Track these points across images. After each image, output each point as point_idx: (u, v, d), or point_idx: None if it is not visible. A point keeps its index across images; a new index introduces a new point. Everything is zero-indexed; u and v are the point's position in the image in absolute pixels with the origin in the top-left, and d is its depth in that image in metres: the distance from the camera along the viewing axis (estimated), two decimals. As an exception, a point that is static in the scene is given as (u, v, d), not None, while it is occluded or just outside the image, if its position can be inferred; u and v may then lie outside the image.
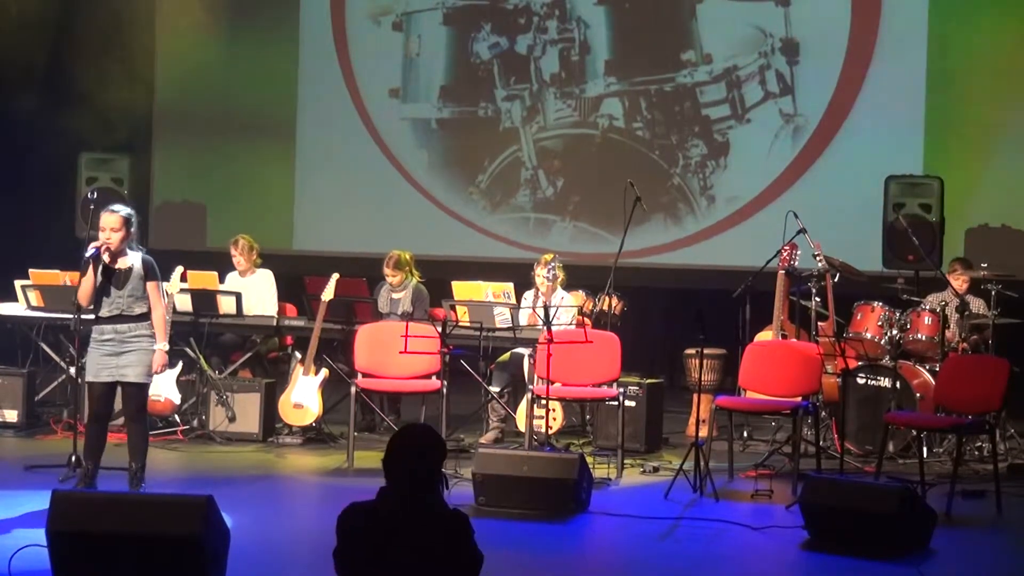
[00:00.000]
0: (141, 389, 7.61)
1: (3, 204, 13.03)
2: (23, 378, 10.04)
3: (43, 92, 12.96)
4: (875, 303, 9.78)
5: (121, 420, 8.44)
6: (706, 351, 9.08)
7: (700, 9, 12.53)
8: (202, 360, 9.93)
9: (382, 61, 13.31)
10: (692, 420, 9.99)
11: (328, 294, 9.72)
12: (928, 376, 9.54)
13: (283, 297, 10.56)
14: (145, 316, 7.58)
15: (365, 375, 9.30)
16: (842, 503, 7.08)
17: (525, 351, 9.68)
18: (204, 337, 10.04)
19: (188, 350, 10.04)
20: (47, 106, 12.91)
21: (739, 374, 9.03)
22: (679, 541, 7.31)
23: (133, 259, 7.62)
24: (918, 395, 9.41)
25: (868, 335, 9.68)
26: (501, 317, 9.73)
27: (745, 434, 9.94)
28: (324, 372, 9.74)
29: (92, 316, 7.67)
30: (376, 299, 10.16)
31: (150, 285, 7.61)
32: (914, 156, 11.79)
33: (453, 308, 9.73)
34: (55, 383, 10.51)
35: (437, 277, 10.62)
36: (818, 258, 9.74)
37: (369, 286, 10.19)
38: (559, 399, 9.34)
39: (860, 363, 9.64)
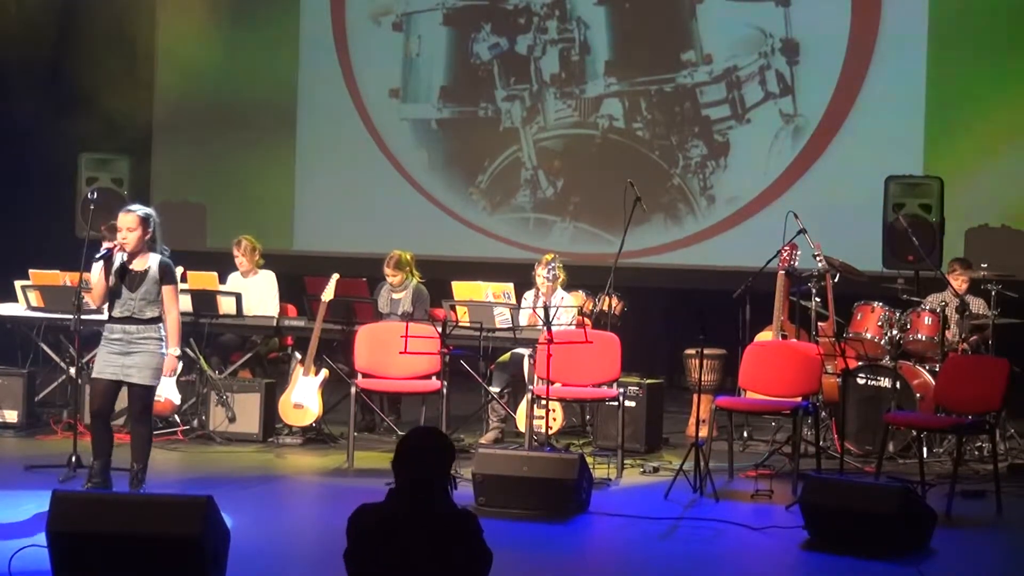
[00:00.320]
0: (147, 391, 7.56)
1: (3, 204, 13.04)
2: (23, 378, 10.04)
3: (43, 92, 12.98)
4: (875, 303, 9.78)
5: (122, 420, 8.44)
6: (706, 351, 9.08)
7: (700, 9, 12.54)
8: (202, 360, 9.93)
9: (382, 61, 13.32)
10: (692, 420, 9.99)
11: (328, 294, 9.72)
12: (928, 376, 9.54)
13: (283, 297, 10.57)
14: (156, 320, 7.51)
15: (365, 375, 9.29)
16: (842, 503, 7.07)
17: (525, 351, 9.68)
18: (204, 337, 10.04)
19: (188, 350, 10.03)
20: (47, 106, 12.94)
21: (739, 374, 9.03)
22: (679, 541, 7.31)
23: (151, 261, 7.53)
24: (918, 395, 9.41)
25: (868, 335, 9.68)
26: (501, 317, 9.73)
27: (745, 434, 9.94)
28: (324, 372, 9.75)
29: (105, 315, 7.63)
30: (376, 299, 10.16)
31: (166, 289, 7.53)
32: (914, 156, 11.79)
33: (453, 308, 9.73)
34: (55, 383, 10.51)
35: (437, 277, 10.62)
36: (818, 258, 9.74)
37: (369, 286, 10.19)
38: (559, 399, 9.33)
39: (860, 363, 9.64)
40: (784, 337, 9.60)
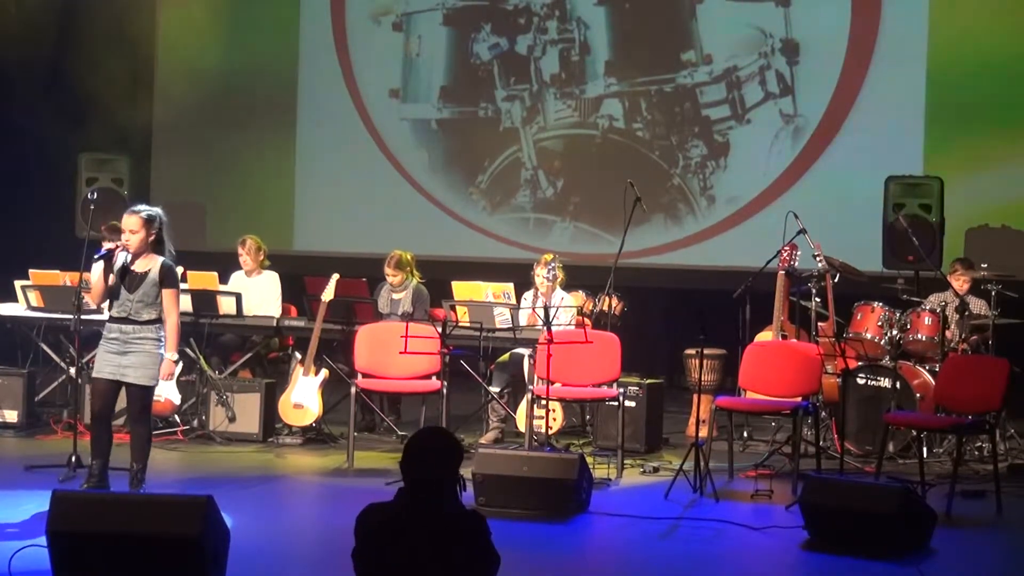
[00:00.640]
0: (144, 391, 7.54)
1: (3, 204, 13.05)
2: (23, 378, 10.04)
3: (43, 92, 12.98)
4: (875, 303, 9.78)
5: (122, 420, 8.44)
6: (706, 351, 9.09)
7: (700, 9, 12.54)
8: (202, 360, 9.93)
9: (382, 61, 13.32)
10: (692, 420, 9.99)
11: (328, 294, 9.72)
12: (928, 376, 9.54)
13: (284, 298, 10.55)
14: (153, 322, 7.48)
15: (365, 375, 9.29)
16: (842, 503, 7.07)
17: (525, 351, 9.68)
18: (204, 337, 10.04)
19: (188, 350, 10.04)
20: (47, 106, 12.93)
21: (739, 374, 9.03)
22: (679, 541, 7.31)
23: (153, 263, 7.50)
24: (918, 395, 9.41)
25: (868, 335, 9.68)
26: (501, 317, 9.73)
27: (745, 434, 9.94)
28: (324, 372, 9.74)
29: (105, 315, 7.62)
30: (376, 299, 10.16)
31: (166, 293, 7.49)
32: (914, 156, 11.79)
33: (453, 308, 9.73)
34: (55, 383, 10.51)
35: (437, 277, 10.62)
36: (818, 258, 9.74)
37: (369, 286, 10.18)
38: (559, 399, 9.33)
39: (860, 363, 9.63)
40: (784, 337, 9.60)
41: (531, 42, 12.96)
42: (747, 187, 12.39)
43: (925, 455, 8.87)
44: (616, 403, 9.04)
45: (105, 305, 7.68)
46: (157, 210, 7.67)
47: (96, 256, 7.53)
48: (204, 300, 10.05)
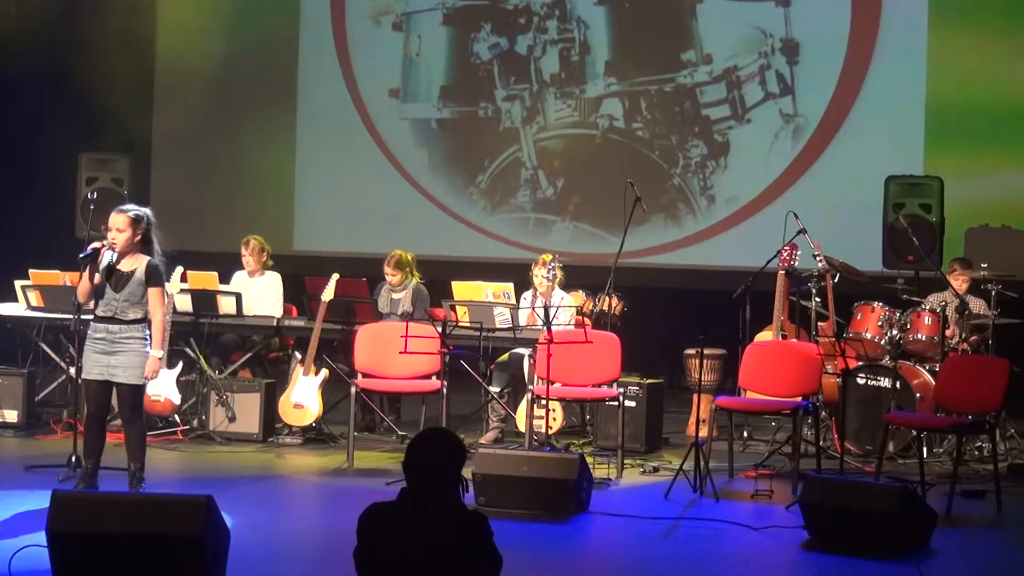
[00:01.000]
0: (134, 390, 7.54)
1: (3, 204, 13.04)
2: (23, 378, 10.04)
3: (43, 92, 12.97)
4: (875, 303, 9.78)
5: (119, 420, 8.44)
6: (706, 351, 9.08)
7: (700, 9, 12.53)
8: (202, 360, 9.93)
9: (382, 61, 13.32)
10: (692, 420, 10.00)
11: (328, 294, 9.72)
12: (928, 376, 9.54)
13: (284, 298, 10.55)
14: (139, 321, 7.48)
15: (365, 375, 9.29)
16: (842, 503, 7.07)
17: (525, 351, 9.68)
18: (204, 337, 10.04)
19: (188, 350, 10.04)
20: (47, 106, 12.93)
21: (739, 374, 9.02)
22: (679, 541, 7.31)
23: (139, 263, 7.50)
24: (918, 395, 9.41)
25: (868, 335, 9.68)
26: (501, 317, 9.73)
27: (745, 434, 9.94)
28: (324, 372, 9.74)
29: (91, 314, 7.63)
30: (376, 299, 10.16)
31: (151, 291, 7.48)
32: (914, 156, 11.78)
33: (453, 308, 9.73)
34: (55, 383, 10.51)
35: (437, 277, 10.62)
36: (818, 258, 9.74)
37: (369, 286, 10.19)
38: (559, 399, 9.33)
39: (860, 363, 9.64)
40: (784, 337, 9.60)
41: (531, 42, 12.96)
42: (747, 187, 12.39)
43: (925, 455, 8.87)
44: (616, 403, 9.04)
45: (90, 304, 7.68)
46: (146, 210, 7.66)
47: (82, 255, 7.51)
48: (204, 300, 10.05)
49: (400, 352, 8.90)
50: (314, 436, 9.80)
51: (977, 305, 9.99)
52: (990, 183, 11.71)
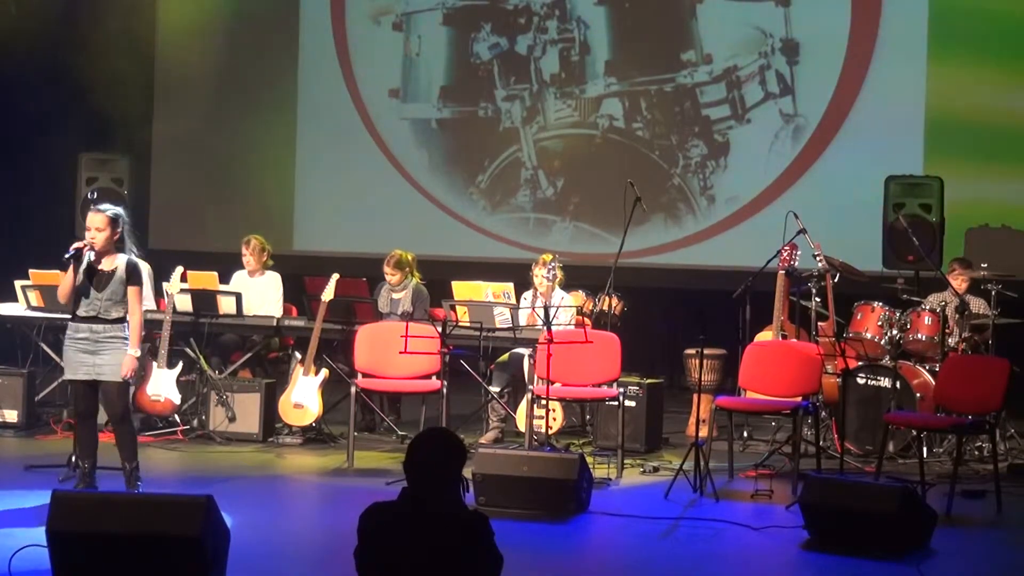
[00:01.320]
0: (121, 389, 7.53)
1: (4, 204, 13.04)
2: (23, 378, 10.04)
3: (43, 92, 12.97)
4: (875, 303, 9.78)
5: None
6: (706, 351, 9.08)
7: (700, 9, 12.54)
8: (202, 360, 9.93)
9: (382, 61, 13.32)
10: (692, 420, 10.00)
11: (328, 294, 9.72)
12: (928, 376, 9.54)
13: (284, 297, 10.54)
14: (122, 320, 7.48)
15: (365, 375, 9.29)
16: (842, 503, 7.07)
17: (525, 351, 9.68)
18: (204, 337, 10.04)
19: (188, 350, 10.04)
20: (47, 106, 12.92)
21: (739, 374, 9.02)
22: (679, 541, 7.31)
23: (119, 261, 7.49)
24: (918, 395, 9.41)
25: (868, 335, 9.68)
26: (501, 317, 9.73)
27: (745, 434, 9.94)
28: (324, 372, 9.74)
29: (69, 314, 7.59)
30: (376, 299, 10.16)
31: (131, 290, 7.47)
32: (914, 156, 11.78)
33: (453, 308, 9.73)
34: (55, 383, 10.48)
35: (437, 277, 10.62)
36: (818, 258, 9.74)
37: (369, 286, 10.19)
38: (559, 399, 9.33)
39: (860, 363, 9.64)
40: (784, 337, 9.60)
41: (531, 42, 12.96)
42: (747, 187, 12.39)
43: (925, 455, 8.87)
44: (616, 403, 9.04)
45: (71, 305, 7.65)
46: (120, 210, 7.69)
47: (66, 256, 7.50)
48: (204, 300, 10.05)
49: (400, 352, 8.90)
50: (314, 436, 9.80)
51: (977, 305, 9.99)
52: (990, 183, 11.71)
